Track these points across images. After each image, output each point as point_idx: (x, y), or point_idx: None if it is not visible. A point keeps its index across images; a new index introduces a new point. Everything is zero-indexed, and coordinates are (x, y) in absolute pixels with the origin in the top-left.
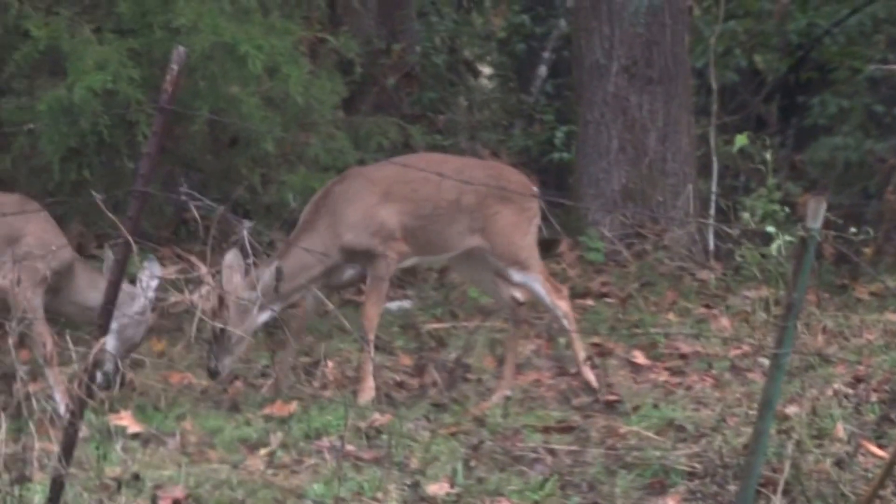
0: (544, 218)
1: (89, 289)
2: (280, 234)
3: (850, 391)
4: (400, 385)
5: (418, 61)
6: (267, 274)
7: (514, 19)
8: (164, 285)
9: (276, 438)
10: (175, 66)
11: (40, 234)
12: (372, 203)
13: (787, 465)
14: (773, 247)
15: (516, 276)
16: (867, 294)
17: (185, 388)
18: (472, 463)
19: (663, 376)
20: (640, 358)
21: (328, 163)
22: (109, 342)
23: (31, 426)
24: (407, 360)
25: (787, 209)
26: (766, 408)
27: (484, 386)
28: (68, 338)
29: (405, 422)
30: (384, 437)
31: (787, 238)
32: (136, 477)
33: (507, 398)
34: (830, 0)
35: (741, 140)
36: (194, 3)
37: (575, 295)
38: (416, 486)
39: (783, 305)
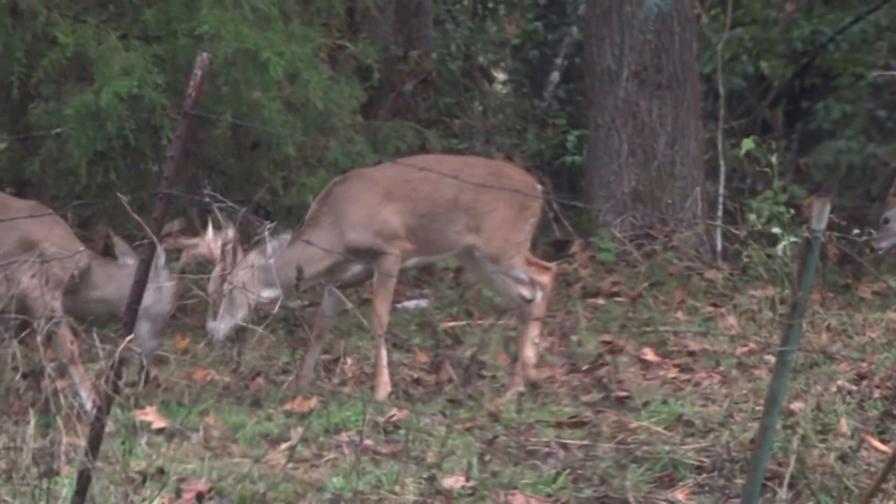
0: (556, 219)
1: (107, 283)
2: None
3: (854, 388)
4: (417, 381)
5: (434, 67)
6: (271, 247)
7: (527, 27)
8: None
9: (296, 433)
10: (199, 72)
11: (56, 239)
12: (374, 203)
13: (792, 460)
14: (779, 247)
15: (497, 268)
16: (870, 293)
17: (209, 384)
18: (487, 457)
19: (672, 373)
20: (649, 355)
21: (347, 166)
22: (143, 327)
23: (59, 422)
24: (424, 358)
25: (792, 211)
26: (772, 404)
27: (498, 382)
28: (95, 336)
29: (422, 417)
30: (401, 431)
31: (793, 239)
32: (161, 471)
33: (521, 394)
34: (834, 8)
35: (748, 144)
36: (217, 11)
37: (586, 294)
38: (432, 479)
39: (788, 304)
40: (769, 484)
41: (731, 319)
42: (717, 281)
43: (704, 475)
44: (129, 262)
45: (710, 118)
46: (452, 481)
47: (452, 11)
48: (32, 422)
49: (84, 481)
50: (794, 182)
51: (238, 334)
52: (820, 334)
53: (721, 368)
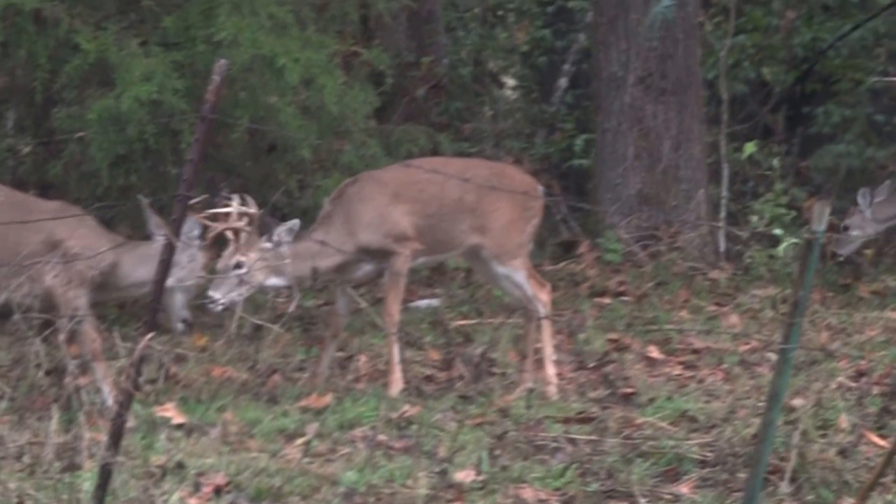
0: (564, 221)
1: (140, 266)
2: None
3: (853, 384)
4: (429, 378)
5: (446, 73)
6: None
7: (536, 34)
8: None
9: (311, 429)
10: (217, 78)
11: (82, 238)
12: (384, 204)
13: (793, 454)
14: (780, 248)
15: (500, 269)
16: (869, 293)
17: (226, 381)
18: (497, 452)
19: (677, 370)
20: (654, 353)
21: (361, 168)
22: (178, 298)
23: (81, 418)
24: (435, 355)
25: (793, 213)
26: (773, 400)
27: (508, 379)
28: (116, 334)
29: (434, 413)
30: (414, 427)
31: (794, 240)
32: (180, 465)
33: (530, 391)
34: (834, 16)
35: (750, 148)
36: (235, 19)
37: (593, 293)
38: (443, 473)
39: (789, 303)
40: (771, 478)
41: (734, 318)
42: (720, 281)
43: (708, 469)
44: (162, 237)
45: (713, 123)
46: (463, 475)
47: (463, 19)
48: (55, 418)
49: (105, 475)
50: (795, 185)
51: (255, 332)
52: (820, 333)
53: (724, 366)
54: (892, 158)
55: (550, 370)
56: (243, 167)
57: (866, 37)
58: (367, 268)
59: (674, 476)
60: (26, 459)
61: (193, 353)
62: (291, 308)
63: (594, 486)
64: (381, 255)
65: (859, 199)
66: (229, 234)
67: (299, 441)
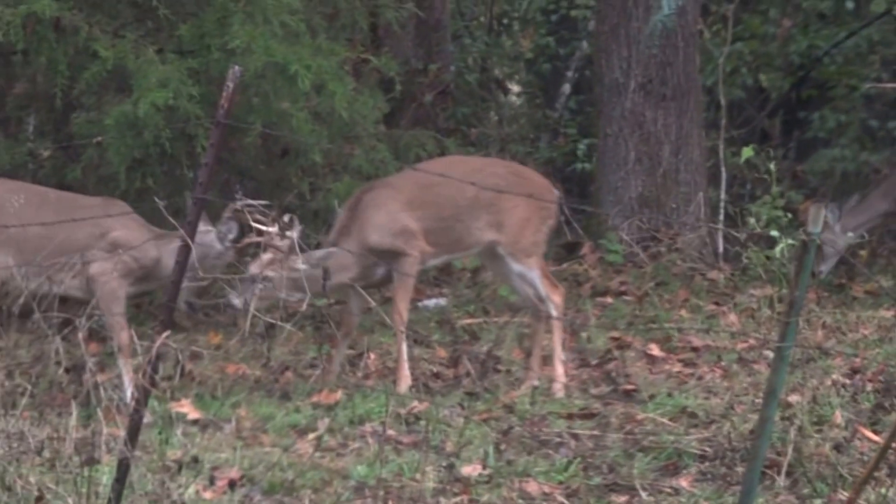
0: (567, 222)
1: (172, 255)
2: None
3: (848, 381)
4: (436, 375)
5: (453, 80)
6: (315, 257)
7: (540, 41)
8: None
9: (323, 424)
10: (230, 84)
11: (126, 231)
12: (396, 209)
13: (790, 449)
14: (777, 249)
15: (515, 266)
16: (863, 293)
17: (240, 378)
18: (503, 447)
19: (677, 367)
20: (655, 350)
21: (370, 172)
22: (190, 285)
23: (100, 413)
24: (443, 353)
25: (789, 215)
26: (770, 396)
27: (513, 376)
28: (133, 332)
29: (441, 409)
30: (422, 422)
31: (790, 241)
32: (196, 459)
33: (535, 388)
34: (829, 24)
35: (747, 152)
36: (248, 27)
37: (595, 293)
38: (451, 467)
39: (786, 303)
40: (768, 472)
41: (732, 317)
42: (718, 281)
43: (707, 464)
44: (203, 226)
45: (712, 127)
46: (470, 469)
47: (470, 27)
48: (74, 413)
49: (123, 469)
50: (792, 188)
51: (268, 331)
52: (816, 331)
53: (723, 363)
54: (886, 162)
55: (559, 369)
56: (257, 171)
57: (860, 44)
58: (381, 271)
59: (674, 470)
60: (47, 454)
61: (208, 351)
62: (303, 307)
63: (597, 480)
64: (390, 257)
65: (828, 216)
66: (269, 246)
67: (311, 436)
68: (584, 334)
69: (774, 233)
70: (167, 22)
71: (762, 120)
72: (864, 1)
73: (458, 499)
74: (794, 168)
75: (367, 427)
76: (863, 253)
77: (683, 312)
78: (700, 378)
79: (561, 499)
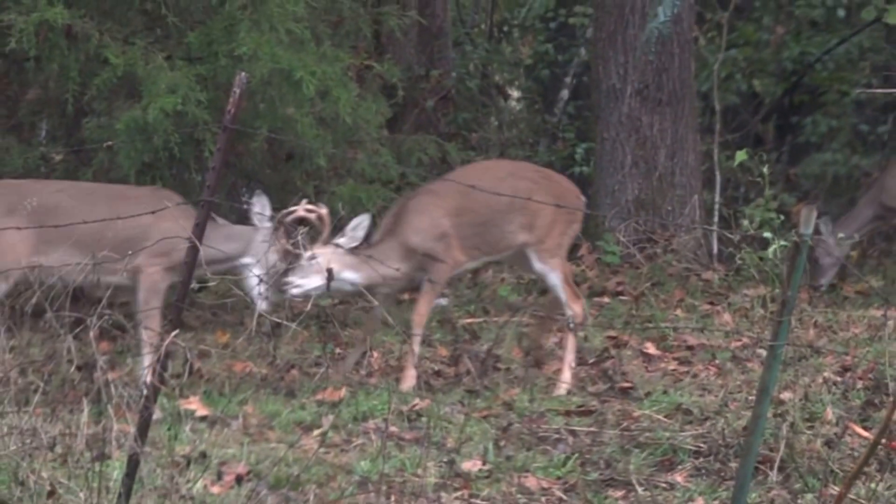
0: None
1: (224, 244)
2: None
3: (839, 379)
4: (437, 373)
5: (454, 85)
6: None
7: (539, 48)
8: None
9: (327, 421)
10: (237, 90)
11: (174, 222)
12: (439, 215)
13: (782, 445)
14: (770, 250)
15: (537, 263)
16: (853, 292)
17: (247, 376)
18: (502, 443)
19: (672, 365)
20: (651, 349)
21: (373, 176)
22: (251, 272)
23: (110, 410)
24: (444, 352)
25: (782, 217)
26: (763, 394)
27: (512, 374)
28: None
29: (442, 406)
30: (423, 419)
31: (782, 243)
32: (204, 455)
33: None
34: (821, 31)
35: (741, 156)
36: (255, 34)
37: (593, 293)
38: (451, 463)
39: (778, 302)
40: (761, 467)
41: (726, 316)
42: (713, 281)
43: (701, 459)
44: (262, 224)
45: (706, 132)
46: (470, 465)
47: (471, 34)
48: (86, 410)
49: (133, 465)
50: (784, 191)
51: (274, 330)
52: (808, 330)
53: (717, 361)
54: (876, 166)
55: (567, 374)
56: (263, 174)
57: (851, 51)
58: (420, 277)
59: (669, 466)
60: (59, 449)
61: (216, 350)
62: (308, 307)
63: (594, 475)
64: (426, 261)
65: (821, 228)
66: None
67: (316, 432)
68: (581, 333)
69: (767, 234)
70: (176, 29)
71: (756, 124)
72: (854, 9)
73: (458, 493)
74: (787, 171)
75: (370, 424)
76: (853, 254)
77: (679, 312)
78: (695, 376)
79: (559, 494)
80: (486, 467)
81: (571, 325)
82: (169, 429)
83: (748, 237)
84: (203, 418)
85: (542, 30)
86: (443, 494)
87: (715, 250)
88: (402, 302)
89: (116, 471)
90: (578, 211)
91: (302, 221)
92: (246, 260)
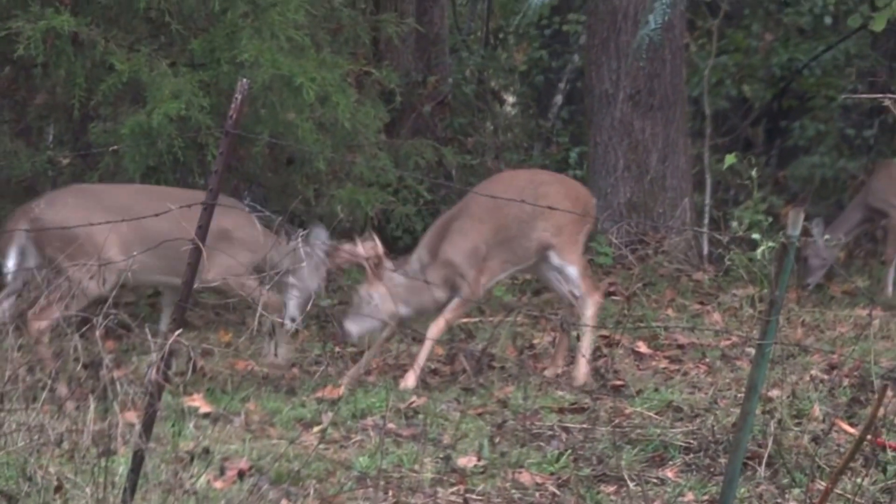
0: None
1: (283, 262)
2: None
3: (825, 377)
4: (434, 372)
5: (450, 91)
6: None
7: (534, 55)
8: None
9: (327, 418)
10: (239, 96)
11: (242, 230)
12: (480, 239)
13: (770, 441)
14: (759, 251)
15: (556, 259)
16: (840, 292)
17: (249, 374)
18: (497, 439)
19: (663, 364)
20: (642, 348)
21: (372, 179)
22: (295, 299)
23: (116, 407)
24: (440, 350)
25: (770, 219)
26: (752, 391)
27: (507, 373)
28: (147, 330)
29: (439, 403)
30: (420, 416)
31: (771, 244)
32: (207, 451)
33: (558, 375)
34: (808, 38)
35: (731, 159)
36: (256, 41)
37: None
38: (447, 459)
39: (767, 302)
40: (749, 463)
41: (716, 316)
42: (703, 281)
43: (691, 455)
44: (315, 253)
45: (697, 136)
46: (466, 461)
47: (467, 41)
48: (92, 407)
49: (138, 460)
50: (773, 193)
51: (275, 329)
52: (795, 329)
53: (707, 360)
54: (862, 169)
55: (583, 367)
56: (264, 178)
57: (838, 57)
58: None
59: (660, 461)
60: (66, 445)
61: (219, 348)
62: (307, 307)
63: (586, 471)
64: (457, 277)
65: (812, 230)
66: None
67: (316, 429)
68: (574, 333)
69: (756, 236)
70: (179, 37)
71: (745, 129)
72: (841, 16)
73: (454, 489)
74: (776, 174)
75: (369, 421)
76: (840, 255)
77: (669, 312)
78: (685, 374)
79: (552, 489)
80: (482, 463)
81: (565, 326)
82: (173, 425)
83: (737, 239)
84: (206, 415)
85: (537, 37)
86: (439, 490)
87: (705, 251)
88: None
89: (122, 466)
90: (591, 210)
91: (355, 257)
92: (290, 279)
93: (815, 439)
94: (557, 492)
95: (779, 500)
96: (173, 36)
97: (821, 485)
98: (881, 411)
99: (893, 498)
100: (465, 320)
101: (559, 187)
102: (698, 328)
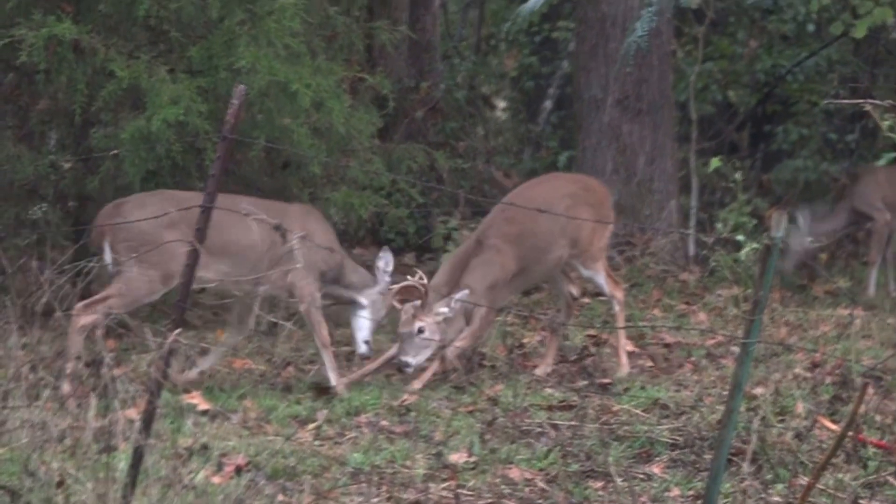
0: None
1: (354, 273)
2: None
3: (808, 375)
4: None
5: (442, 96)
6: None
7: (524, 61)
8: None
9: (322, 415)
10: (236, 101)
11: (321, 235)
12: (511, 267)
13: (754, 438)
14: (743, 253)
15: (584, 271)
16: (822, 293)
17: (246, 372)
18: (487, 436)
19: (650, 362)
20: (630, 347)
21: (365, 182)
22: (366, 322)
23: (117, 404)
24: None
25: (754, 221)
26: (736, 389)
27: (497, 371)
28: (147, 329)
29: (430, 401)
30: (413, 414)
31: (755, 245)
32: (205, 447)
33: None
34: (792, 45)
35: (715, 162)
36: (253, 49)
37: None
38: (439, 455)
39: (751, 302)
40: (734, 459)
41: (702, 315)
42: (689, 282)
43: (677, 451)
44: (384, 278)
45: (684, 140)
46: (457, 457)
47: (458, 48)
48: (93, 404)
49: (138, 456)
50: (758, 195)
51: (271, 329)
52: (779, 328)
53: (692, 358)
54: (844, 172)
55: (623, 358)
56: (261, 181)
57: (821, 63)
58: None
59: (646, 457)
60: (68, 442)
61: (216, 348)
62: (302, 308)
63: (575, 467)
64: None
65: (799, 218)
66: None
67: (311, 426)
68: (563, 332)
69: (741, 237)
70: (178, 44)
71: (730, 133)
72: (823, 24)
73: (445, 484)
74: (760, 177)
75: (363, 418)
76: (822, 256)
77: (656, 311)
78: (671, 372)
79: (541, 484)
80: (472, 459)
81: (554, 325)
82: (172, 422)
83: (722, 240)
84: (204, 412)
85: (527, 43)
86: (431, 485)
87: (691, 253)
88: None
89: (122, 462)
90: (611, 212)
91: (410, 290)
92: (361, 300)
93: (798, 436)
94: (546, 487)
95: (762, 496)
96: (172, 43)
97: (803, 480)
98: (862, 408)
99: (874, 493)
100: None
101: (583, 196)
102: (684, 328)
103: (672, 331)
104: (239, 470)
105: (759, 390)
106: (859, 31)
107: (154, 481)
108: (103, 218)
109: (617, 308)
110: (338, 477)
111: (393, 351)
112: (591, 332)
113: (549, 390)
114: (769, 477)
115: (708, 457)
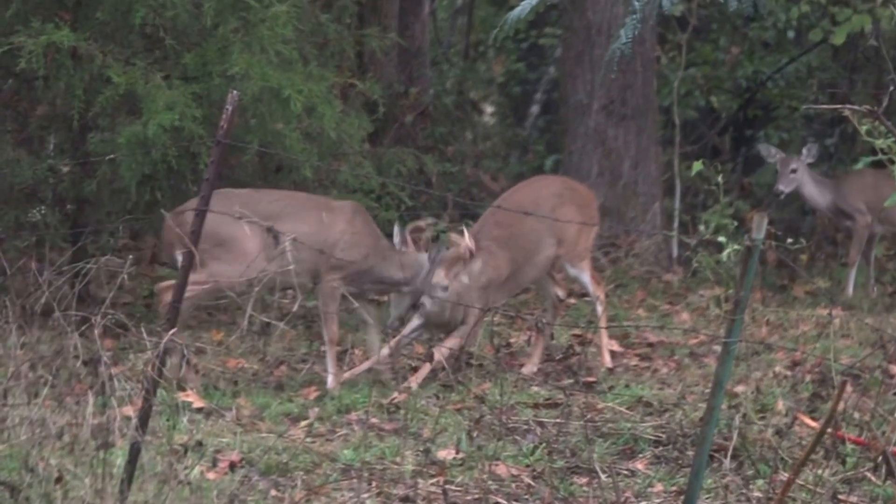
0: None
1: (390, 266)
2: None
3: (789, 373)
4: (415, 369)
5: (431, 102)
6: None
7: (511, 67)
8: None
9: (313, 413)
10: (230, 107)
11: (366, 235)
12: (504, 269)
13: (735, 435)
14: (725, 254)
15: (571, 270)
16: (803, 293)
17: (240, 371)
18: (475, 433)
19: (634, 361)
20: (614, 346)
21: (356, 186)
22: (405, 300)
23: (114, 402)
24: (420, 349)
25: (736, 223)
26: (718, 387)
27: (484, 370)
28: (143, 329)
29: (419, 399)
30: (402, 411)
31: (736, 247)
32: (200, 444)
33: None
34: (773, 51)
35: (697, 166)
36: (246, 55)
37: None
38: (427, 452)
39: (732, 302)
40: (716, 455)
41: (684, 315)
42: (672, 283)
43: (660, 448)
44: (406, 248)
45: (667, 144)
46: (445, 453)
47: (447, 54)
48: (91, 402)
49: (135, 452)
50: (739, 198)
51: (263, 329)
52: (760, 328)
53: (675, 357)
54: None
55: (606, 357)
56: (254, 185)
57: (801, 69)
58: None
59: (630, 454)
60: (66, 438)
61: (211, 347)
62: (295, 308)
63: (560, 463)
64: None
65: (804, 152)
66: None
67: (303, 423)
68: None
69: (722, 239)
70: (173, 51)
71: (713, 137)
72: (803, 31)
73: (434, 480)
74: (741, 180)
75: (353, 415)
76: (803, 257)
77: (640, 311)
78: (655, 371)
79: (528, 480)
80: (460, 456)
81: (540, 325)
82: (168, 419)
83: (705, 241)
84: (199, 410)
85: (514, 50)
86: (419, 481)
87: (674, 254)
88: (381, 304)
89: (119, 458)
90: (595, 213)
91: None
92: (405, 289)
93: (779, 432)
94: (532, 483)
95: (743, 491)
96: (167, 50)
97: (784, 476)
98: (841, 406)
99: (853, 488)
100: None
101: (568, 195)
102: (667, 327)
103: (656, 330)
104: (233, 466)
105: (740, 388)
106: (838, 38)
107: (150, 477)
108: (169, 230)
109: (599, 308)
110: (329, 473)
111: (382, 354)
112: (577, 331)
113: (535, 388)
114: (750, 473)
115: (690, 453)
